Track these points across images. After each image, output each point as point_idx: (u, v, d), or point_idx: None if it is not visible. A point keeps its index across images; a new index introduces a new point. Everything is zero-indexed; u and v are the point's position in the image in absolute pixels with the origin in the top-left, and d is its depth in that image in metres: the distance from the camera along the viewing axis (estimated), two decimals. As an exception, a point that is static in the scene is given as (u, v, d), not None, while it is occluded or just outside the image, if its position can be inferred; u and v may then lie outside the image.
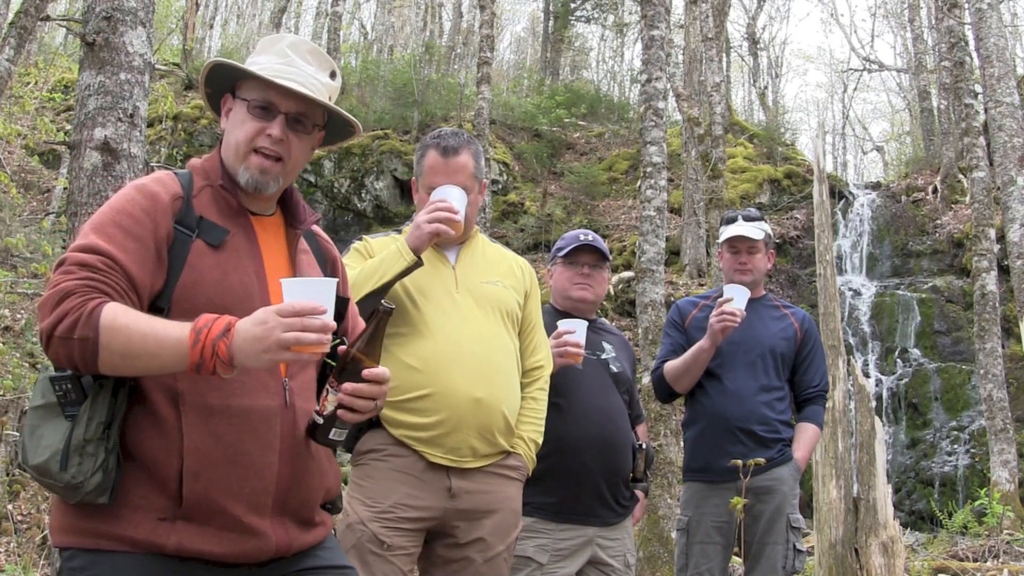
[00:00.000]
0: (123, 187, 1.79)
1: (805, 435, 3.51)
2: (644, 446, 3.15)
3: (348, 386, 1.69)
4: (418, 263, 2.45)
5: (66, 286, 1.59)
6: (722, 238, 3.63)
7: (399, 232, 2.75)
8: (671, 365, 3.54)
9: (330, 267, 2.00)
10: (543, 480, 2.93)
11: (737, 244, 3.58)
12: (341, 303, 1.80)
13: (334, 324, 1.61)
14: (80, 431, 1.56)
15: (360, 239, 2.70)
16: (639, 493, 3.21)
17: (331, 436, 1.74)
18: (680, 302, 3.79)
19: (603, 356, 3.17)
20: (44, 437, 1.58)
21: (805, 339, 3.59)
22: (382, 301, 1.85)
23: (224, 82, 1.88)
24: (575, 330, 2.96)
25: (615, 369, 3.17)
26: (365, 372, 1.70)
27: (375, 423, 2.45)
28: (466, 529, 2.48)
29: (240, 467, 1.67)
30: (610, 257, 3.29)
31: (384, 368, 1.72)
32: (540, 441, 2.70)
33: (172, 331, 1.57)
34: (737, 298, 3.34)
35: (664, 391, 3.62)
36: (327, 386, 1.73)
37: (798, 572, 3.38)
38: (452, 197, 2.53)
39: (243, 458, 1.68)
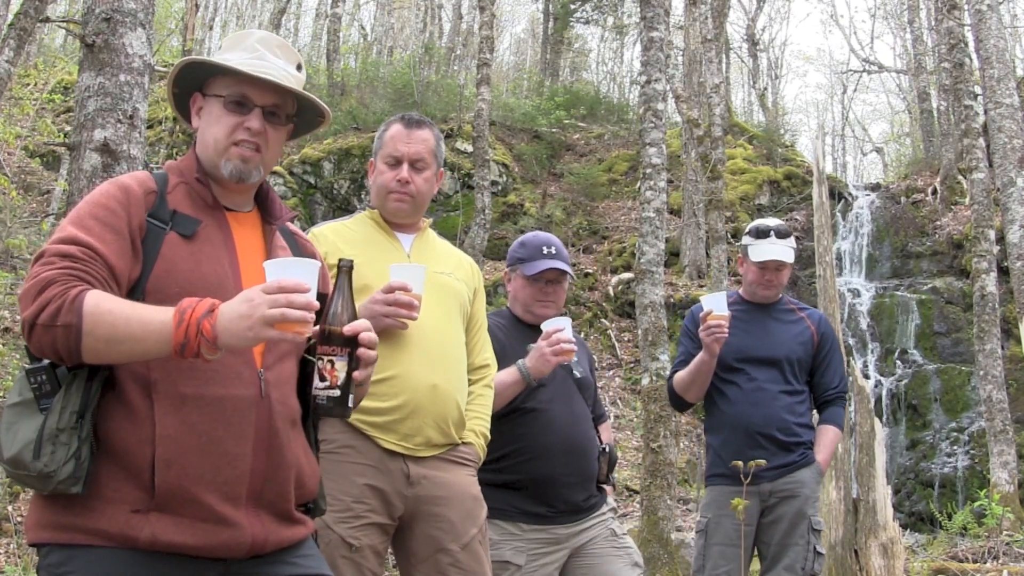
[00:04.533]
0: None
1: (826, 437, 3.52)
2: (607, 449, 3.13)
3: (361, 351, 1.73)
4: None
5: (47, 275, 1.60)
6: (752, 256, 3.59)
7: (349, 218, 2.76)
8: (678, 376, 3.57)
9: None
10: (511, 486, 2.93)
11: (768, 268, 3.58)
12: (321, 298, 1.82)
13: (317, 304, 1.62)
14: (53, 420, 1.57)
15: (306, 231, 2.69)
16: (607, 488, 3.19)
17: (350, 404, 1.74)
18: (695, 309, 3.76)
19: (566, 362, 3.14)
20: (19, 432, 1.59)
21: (822, 342, 3.59)
22: (340, 259, 1.86)
23: (193, 81, 1.91)
24: (564, 327, 2.94)
25: (578, 375, 3.14)
26: (347, 330, 1.73)
27: None
28: (432, 518, 2.46)
29: (213, 456, 1.67)
30: (571, 270, 3.22)
31: (364, 321, 1.77)
32: (488, 436, 2.70)
33: (156, 315, 1.58)
34: (716, 307, 3.33)
35: (675, 400, 3.65)
36: (325, 358, 1.72)
37: (816, 574, 3.38)
38: (409, 277, 2.45)
39: (216, 447, 1.67)
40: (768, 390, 3.45)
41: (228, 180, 1.86)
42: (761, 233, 3.61)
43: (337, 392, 1.72)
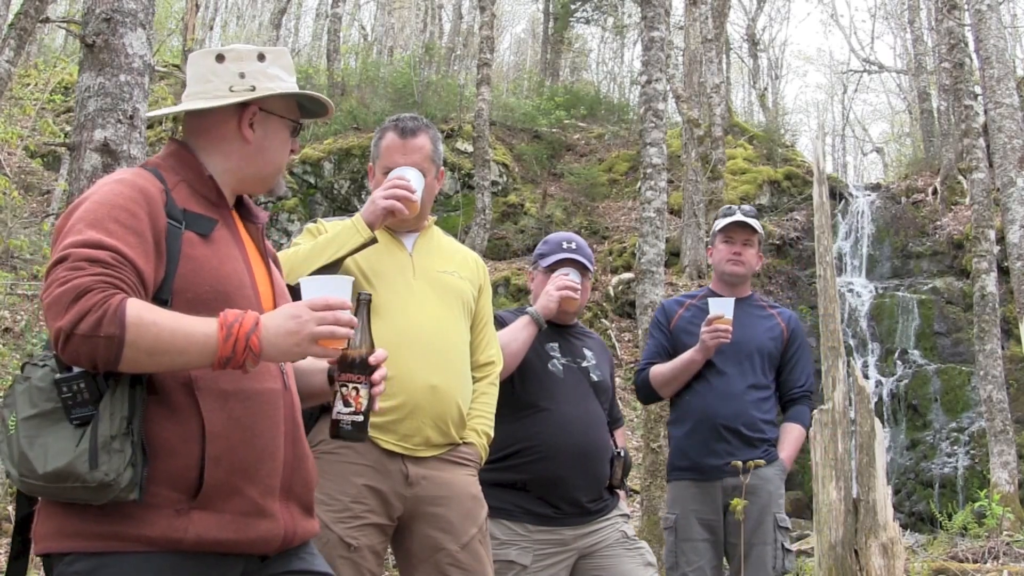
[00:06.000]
0: (102, 182, 1.77)
1: (791, 436, 3.51)
2: (622, 453, 3.13)
3: (377, 375, 1.80)
4: (373, 239, 2.47)
5: (81, 282, 1.53)
6: (718, 227, 3.61)
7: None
8: (657, 370, 3.53)
9: (274, 261, 2.06)
10: (518, 486, 2.92)
11: (733, 234, 3.56)
12: (295, 291, 1.87)
13: (358, 321, 1.69)
14: (105, 428, 1.53)
15: (315, 221, 2.71)
16: (619, 492, 3.18)
17: (368, 430, 1.83)
18: (666, 302, 3.78)
19: (584, 364, 3.14)
20: (51, 444, 1.53)
21: (791, 339, 3.58)
22: (360, 291, 1.89)
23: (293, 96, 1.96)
24: (569, 272, 3.04)
25: (595, 378, 3.14)
26: (372, 359, 1.81)
27: (326, 409, 2.44)
28: (431, 518, 2.46)
29: (256, 449, 1.69)
30: (593, 266, 3.25)
31: (384, 349, 1.84)
32: (491, 434, 2.69)
33: (199, 327, 1.57)
34: (726, 312, 3.32)
35: (648, 394, 3.61)
36: (350, 385, 1.79)
37: (788, 572, 3.37)
38: (410, 177, 2.54)
39: (258, 440, 1.70)
40: (736, 384, 3.42)
41: (262, 193, 1.99)
42: (727, 212, 3.65)
43: (360, 418, 1.80)
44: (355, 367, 1.79)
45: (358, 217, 2.49)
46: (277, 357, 1.62)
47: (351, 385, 1.79)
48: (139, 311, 1.55)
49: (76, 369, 1.57)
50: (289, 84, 1.91)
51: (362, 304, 1.87)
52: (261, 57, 1.89)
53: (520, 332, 2.95)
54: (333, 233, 2.48)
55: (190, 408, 1.64)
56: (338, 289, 1.70)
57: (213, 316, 1.61)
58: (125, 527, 1.58)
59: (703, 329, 3.33)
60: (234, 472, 1.65)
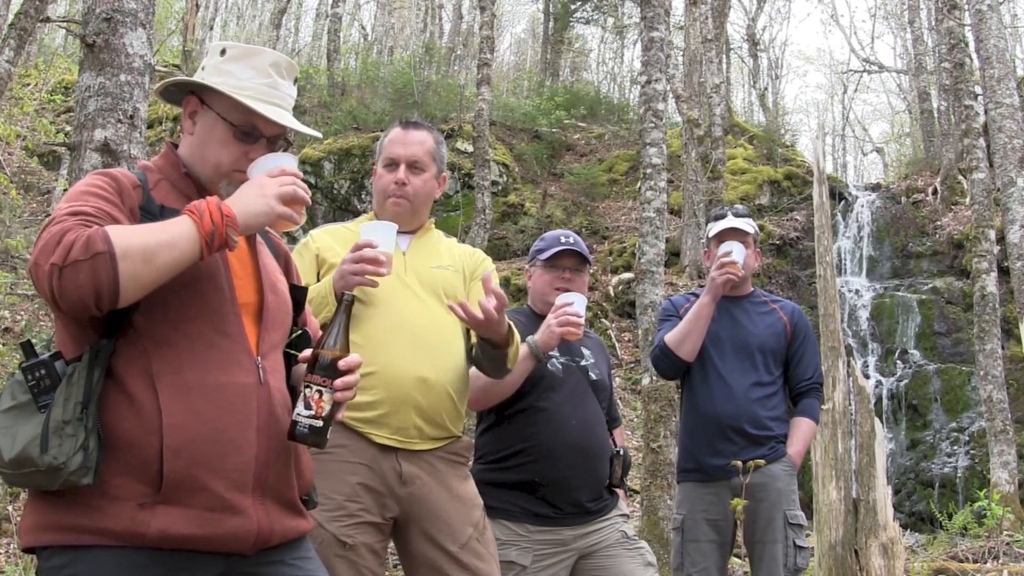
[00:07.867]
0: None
1: (799, 430, 3.50)
2: (621, 452, 3.12)
3: (340, 382, 1.75)
4: None
5: (62, 227, 1.57)
6: (712, 232, 3.62)
7: (352, 221, 2.75)
8: (672, 333, 3.50)
9: (283, 262, 2.04)
10: (519, 487, 2.91)
11: (727, 238, 3.56)
12: (300, 291, 1.94)
13: (308, 197, 1.75)
14: (58, 412, 1.55)
15: (305, 232, 2.69)
16: (618, 491, 3.16)
17: (328, 435, 1.75)
18: (672, 297, 3.80)
19: (583, 363, 3.13)
20: (20, 433, 1.56)
21: (795, 332, 3.57)
22: (344, 292, 1.92)
23: (188, 83, 1.91)
24: (573, 302, 2.94)
25: (594, 377, 3.13)
26: (342, 364, 1.76)
27: None
28: (428, 517, 2.45)
29: (220, 443, 1.67)
30: (592, 259, 3.22)
31: (357, 355, 1.80)
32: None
33: (171, 225, 1.64)
34: (736, 252, 3.35)
35: (666, 363, 3.53)
36: (314, 387, 1.73)
37: (802, 569, 3.36)
38: (378, 235, 2.41)
39: (223, 434, 1.67)
40: (739, 383, 3.42)
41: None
42: (718, 216, 3.66)
43: (320, 423, 1.72)
44: (322, 368, 1.73)
45: (330, 288, 2.43)
46: (251, 218, 1.68)
47: (315, 387, 1.72)
48: (116, 229, 1.59)
49: (43, 355, 1.61)
50: (240, 83, 1.84)
51: (342, 304, 1.81)
52: (223, 52, 1.89)
53: (518, 365, 2.90)
54: (320, 295, 2.43)
55: (151, 400, 1.63)
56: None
57: (182, 306, 1.69)
58: (92, 520, 1.59)
59: (712, 268, 3.38)
60: (196, 465, 1.63)
